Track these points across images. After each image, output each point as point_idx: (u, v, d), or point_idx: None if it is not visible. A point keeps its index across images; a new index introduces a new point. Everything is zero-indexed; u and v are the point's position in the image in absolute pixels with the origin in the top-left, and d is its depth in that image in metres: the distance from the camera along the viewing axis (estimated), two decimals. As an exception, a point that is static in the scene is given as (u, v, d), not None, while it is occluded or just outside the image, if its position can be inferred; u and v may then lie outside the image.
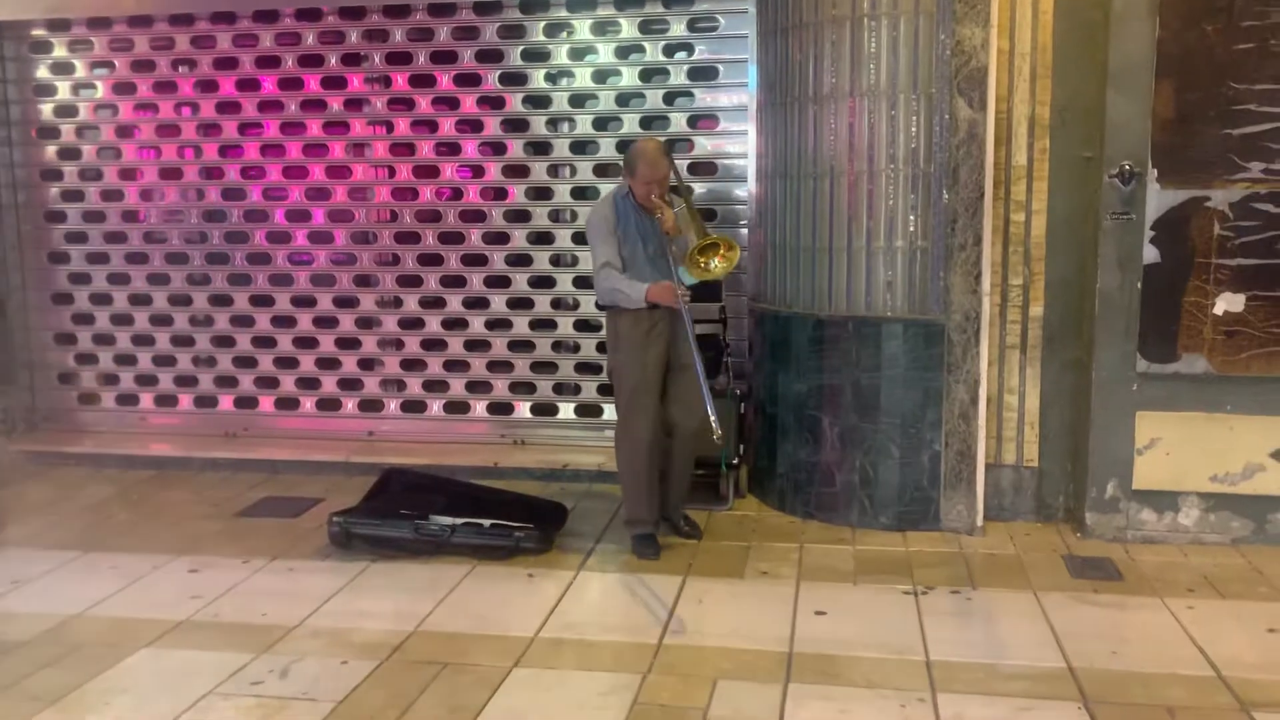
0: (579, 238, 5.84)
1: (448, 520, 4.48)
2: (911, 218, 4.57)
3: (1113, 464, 4.51)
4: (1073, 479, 4.73)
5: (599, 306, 4.54)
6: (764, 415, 5.14)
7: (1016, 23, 4.55)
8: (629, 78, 5.69)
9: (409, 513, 4.54)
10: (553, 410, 6.02)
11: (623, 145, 5.67)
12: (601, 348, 5.85)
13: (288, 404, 6.28)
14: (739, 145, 5.55)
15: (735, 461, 5.08)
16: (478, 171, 5.91)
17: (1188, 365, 4.40)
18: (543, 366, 5.99)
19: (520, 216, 5.89)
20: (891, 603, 3.94)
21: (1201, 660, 3.44)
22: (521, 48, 5.75)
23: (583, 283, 5.87)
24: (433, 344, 6.07)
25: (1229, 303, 4.34)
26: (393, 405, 6.17)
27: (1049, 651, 3.52)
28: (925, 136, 4.52)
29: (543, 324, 5.95)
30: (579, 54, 5.73)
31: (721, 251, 4.22)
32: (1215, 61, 4.24)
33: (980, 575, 4.20)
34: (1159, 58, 4.27)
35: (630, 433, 4.44)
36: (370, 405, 6.20)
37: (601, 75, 5.73)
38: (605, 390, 5.91)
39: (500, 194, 5.89)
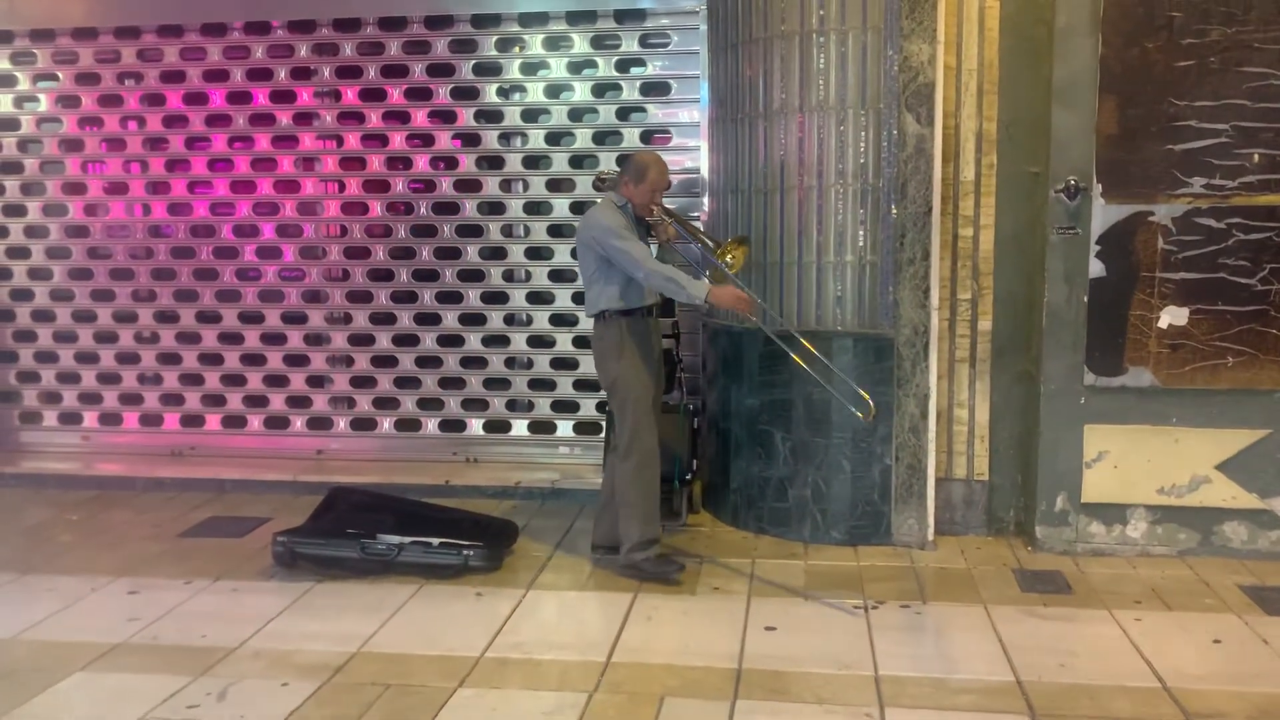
0: (532, 253, 5.82)
1: (395, 539, 4.41)
2: (861, 232, 4.58)
3: (1062, 477, 4.53)
4: (1023, 492, 4.74)
5: (598, 315, 4.37)
6: (717, 431, 5.12)
7: (963, 39, 4.59)
8: (581, 93, 5.68)
9: (355, 532, 4.47)
10: (505, 427, 5.97)
11: (576, 160, 5.70)
12: (558, 364, 5.83)
13: (235, 422, 6.19)
14: (692, 161, 5.55)
15: (688, 477, 5.05)
16: (429, 186, 5.86)
17: (1134, 378, 4.43)
18: (495, 383, 5.94)
19: (472, 231, 5.85)
20: (842, 618, 3.92)
21: (1148, 672, 3.45)
22: (473, 62, 5.72)
23: (535, 298, 5.84)
24: (383, 360, 6.01)
25: (1173, 316, 4.39)
26: (342, 423, 6.09)
27: (998, 665, 3.51)
28: (874, 152, 4.54)
29: (495, 340, 5.90)
30: (531, 69, 5.71)
31: (730, 249, 4.28)
32: (1157, 78, 4.30)
33: (931, 589, 4.20)
34: (1102, 74, 4.33)
35: (643, 444, 4.33)
36: (319, 423, 6.12)
37: (554, 90, 5.71)
38: (559, 407, 5.88)
39: (452, 208, 5.85)
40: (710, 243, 4.39)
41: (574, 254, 5.64)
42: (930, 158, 4.49)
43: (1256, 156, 4.27)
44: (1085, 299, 4.43)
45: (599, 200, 4.44)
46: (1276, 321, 4.32)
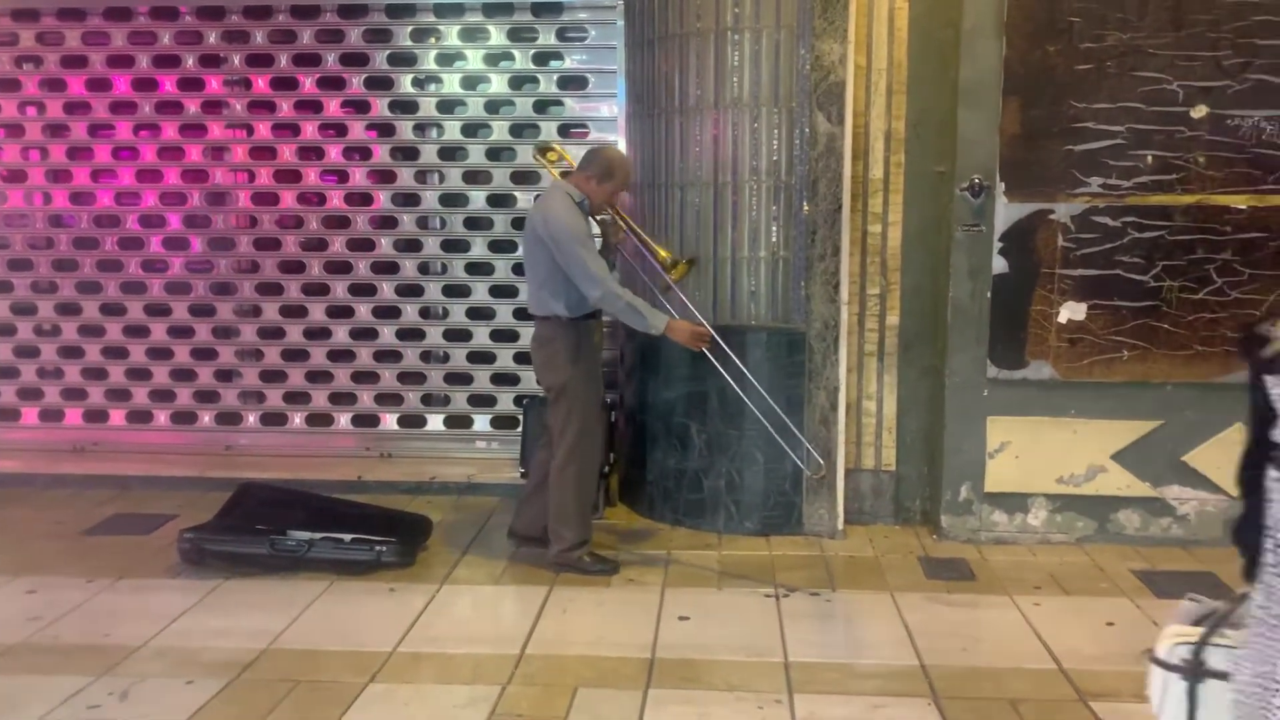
0: (448, 245, 5.78)
1: (305, 535, 4.35)
2: (774, 228, 4.65)
3: (966, 467, 4.66)
4: (929, 482, 4.87)
5: (535, 316, 4.28)
6: (634, 424, 5.15)
7: (873, 39, 4.68)
8: (498, 85, 5.65)
9: (265, 528, 4.39)
10: (421, 422, 5.92)
11: (492, 152, 5.67)
12: (475, 357, 5.80)
13: (140, 417, 6.03)
14: (608, 155, 5.56)
15: (606, 470, 5.07)
16: (342, 177, 5.78)
17: (1035, 371, 4.58)
18: (410, 377, 5.88)
19: (387, 223, 5.79)
20: (754, 606, 3.99)
21: (1045, 654, 3.58)
22: (388, 52, 5.66)
23: (452, 291, 5.80)
24: (294, 354, 5.91)
25: (1072, 311, 4.54)
26: (252, 418, 5.98)
27: (903, 650, 3.61)
28: (786, 149, 4.61)
29: (410, 333, 5.85)
30: (447, 60, 5.67)
31: (678, 263, 4.36)
32: (1057, 81, 4.44)
33: (840, 577, 4.29)
34: (1006, 76, 4.45)
35: (585, 450, 4.29)
36: (228, 418, 5.99)
37: (471, 82, 5.68)
38: (476, 401, 5.85)
39: (366, 200, 5.78)
40: (661, 253, 4.37)
41: (493, 248, 5.70)
42: (841, 156, 4.57)
43: (1150, 158, 4.43)
44: (989, 294, 4.56)
45: (551, 189, 4.23)
46: (1168, 317, 4.50)
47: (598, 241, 4.29)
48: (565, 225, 4.02)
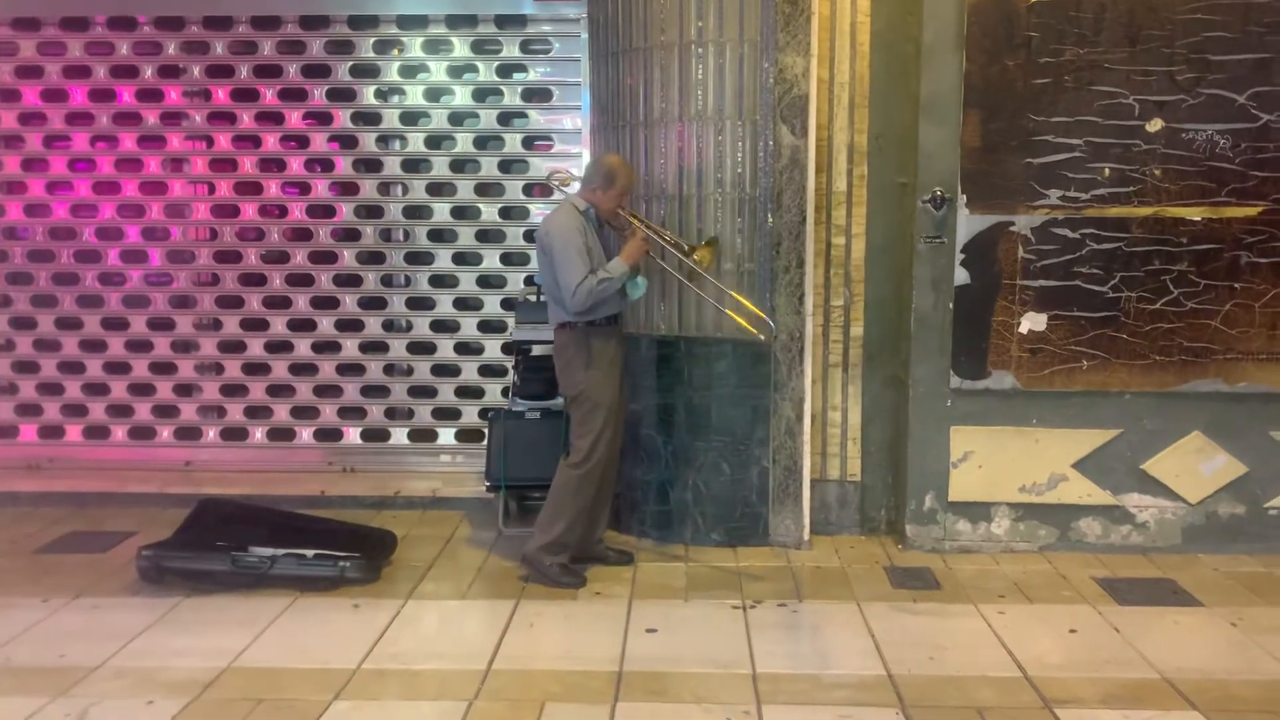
0: (411, 258, 5.75)
1: (268, 551, 4.29)
2: (739, 240, 4.66)
3: (930, 477, 4.69)
4: (893, 492, 4.90)
5: (561, 325, 4.30)
6: (599, 436, 5.13)
7: (836, 53, 4.72)
8: (462, 97, 5.64)
9: (226, 544, 4.32)
10: (384, 435, 5.87)
11: (456, 164, 5.66)
12: (439, 370, 5.76)
13: (97, 433, 5.93)
14: (574, 167, 5.55)
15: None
16: (304, 188, 5.73)
17: (997, 381, 4.62)
18: (374, 390, 5.84)
19: (349, 235, 5.74)
20: (721, 618, 3.98)
21: (1010, 662, 3.60)
22: (350, 64, 5.62)
23: (416, 304, 5.77)
24: (255, 368, 5.84)
25: (1033, 322, 4.59)
26: (212, 433, 5.90)
27: (870, 660, 3.62)
28: (750, 162, 4.63)
29: (374, 346, 5.80)
30: (410, 71, 5.64)
31: (700, 250, 4.35)
32: (1016, 94, 4.50)
33: (807, 588, 4.30)
34: (966, 90, 4.50)
35: (599, 455, 4.30)
36: (187, 433, 5.91)
37: (434, 94, 5.66)
38: (440, 414, 5.81)
39: (328, 212, 5.73)
40: (684, 245, 4.39)
41: (456, 260, 5.69)
42: (804, 168, 4.60)
43: (1107, 171, 4.50)
44: (951, 305, 4.60)
45: (560, 204, 4.41)
46: (1126, 327, 4.56)
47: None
48: (559, 234, 4.18)
